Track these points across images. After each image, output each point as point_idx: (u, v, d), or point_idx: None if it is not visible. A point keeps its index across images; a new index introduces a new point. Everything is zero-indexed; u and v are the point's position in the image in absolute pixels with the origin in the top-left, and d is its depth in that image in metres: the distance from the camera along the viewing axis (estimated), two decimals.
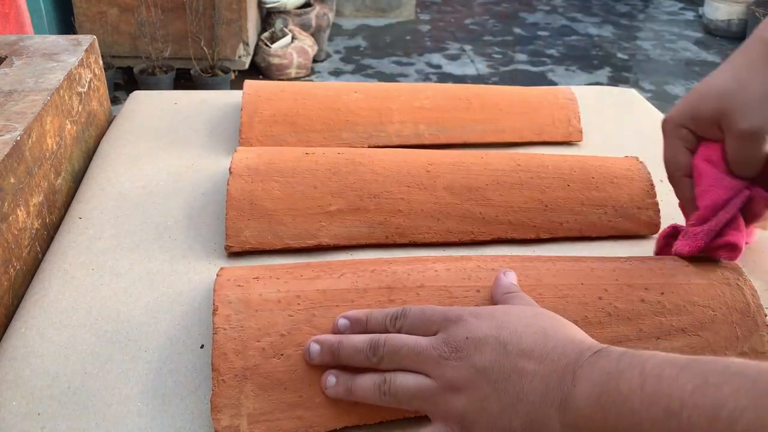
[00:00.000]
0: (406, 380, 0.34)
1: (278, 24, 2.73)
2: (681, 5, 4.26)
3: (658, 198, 0.55)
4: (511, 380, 0.32)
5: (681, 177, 0.46)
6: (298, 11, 2.85)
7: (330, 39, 3.18)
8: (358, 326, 0.37)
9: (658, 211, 0.54)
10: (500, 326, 0.33)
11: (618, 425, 0.28)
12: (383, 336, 0.35)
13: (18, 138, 0.45)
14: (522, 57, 3.27)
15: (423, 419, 0.37)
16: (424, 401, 0.34)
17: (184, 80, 2.53)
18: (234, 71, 2.58)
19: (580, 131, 0.67)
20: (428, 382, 0.33)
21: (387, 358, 0.35)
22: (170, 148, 0.62)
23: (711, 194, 0.43)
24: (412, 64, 3.09)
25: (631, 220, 0.54)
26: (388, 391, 0.34)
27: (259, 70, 2.71)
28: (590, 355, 0.31)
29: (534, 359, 0.32)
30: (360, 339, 0.36)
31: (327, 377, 0.36)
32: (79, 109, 0.59)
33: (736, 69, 0.42)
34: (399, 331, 0.36)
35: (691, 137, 0.45)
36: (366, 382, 0.35)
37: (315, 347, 0.36)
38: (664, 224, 0.55)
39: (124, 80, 2.53)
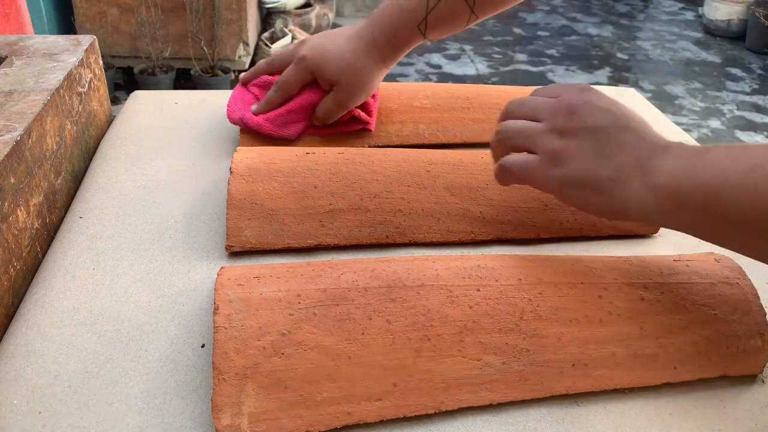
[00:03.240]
0: (517, 122, 0.42)
1: (278, 24, 2.73)
2: (681, 5, 4.26)
3: None
4: (610, 143, 0.38)
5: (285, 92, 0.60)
6: (298, 11, 2.85)
7: None
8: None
9: None
10: (618, 105, 0.40)
11: (703, 180, 0.33)
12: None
13: (18, 138, 0.45)
14: (522, 57, 3.27)
15: (424, 418, 0.37)
16: (527, 136, 0.41)
17: (184, 80, 2.53)
18: (234, 71, 2.58)
19: None
20: (536, 123, 0.41)
21: (516, 110, 0.44)
22: (170, 148, 0.62)
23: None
24: (412, 64, 3.09)
25: None
26: (500, 130, 0.43)
27: None
28: (678, 143, 0.37)
29: (634, 135, 0.38)
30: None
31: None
32: (79, 109, 0.59)
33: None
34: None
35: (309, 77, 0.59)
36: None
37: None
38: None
39: (124, 80, 2.54)
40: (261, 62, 0.63)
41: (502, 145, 0.43)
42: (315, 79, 0.59)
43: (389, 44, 0.58)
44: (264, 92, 0.61)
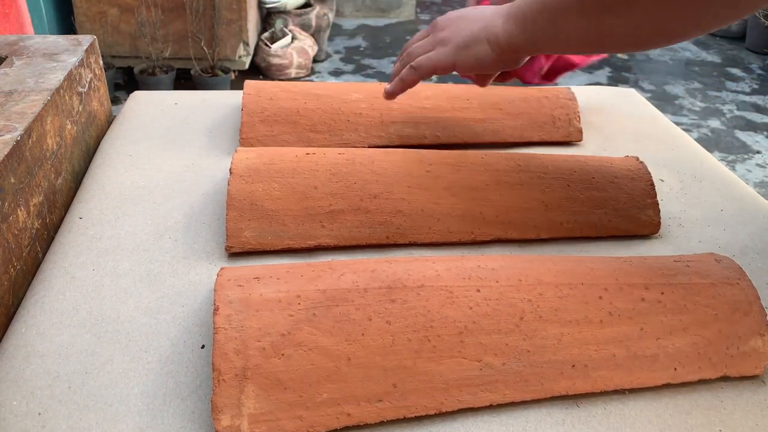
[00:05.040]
0: (416, 48, 0.57)
1: (278, 24, 2.73)
2: None
3: (659, 198, 0.55)
4: (468, 16, 0.54)
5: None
6: (298, 11, 2.85)
7: (330, 39, 3.18)
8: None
9: (658, 211, 0.54)
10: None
11: None
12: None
13: (18, 138, 0.45)
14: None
15: (424, 419, 0.37)
16: (424, 47, 0.55)
17: (184, 80, 2.53)
18: (234, 71, 2.58)
19: (580, 131, 0.67)
20: (427, 38, 0.56)
21: (412, 53, 0.56)
22: (170, 148, 0.62)
23: None
24: None
25: (631, 220, 0.54)
26: (407, 59, 0.56)
27: (259, 70, 2.71)
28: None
29: (482, 9, 0.53)
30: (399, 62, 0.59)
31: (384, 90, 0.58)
32: (80, 109, 0.59)
33: None
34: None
35: None
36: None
37: (386, 87, 0.58)
38: (665, 225, 0.55)
39: (125, 80, 2.53)
40: None
41: (408, 58, 0.57)
42: None
43: None
44: None
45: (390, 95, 0.57)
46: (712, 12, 0.38)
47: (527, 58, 0.53)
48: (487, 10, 0.53)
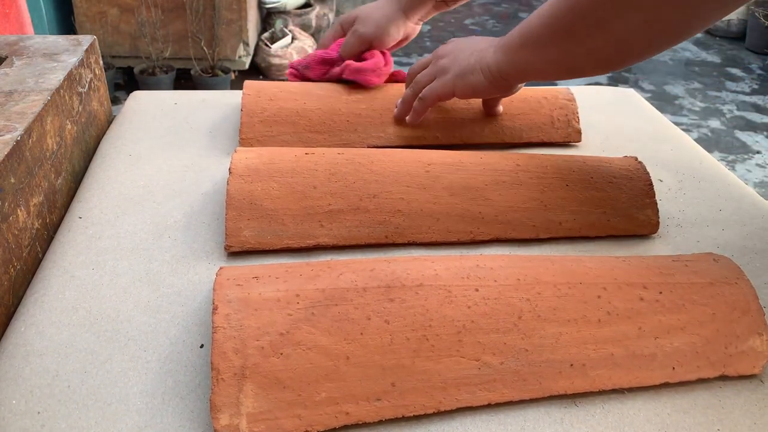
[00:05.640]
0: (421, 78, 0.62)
1: (278, 24, 2.73)
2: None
3: (657, 198, 0.55)
4: (466, 46, 0.59)
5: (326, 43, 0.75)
6: (299, 11, 2.85)
7: None
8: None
9: (657, 211, 0.54)
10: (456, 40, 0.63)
11: (518, 30, 0.53)
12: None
13: (18, 138, 0.45)
14: None
15: (422, 418, 0.37)
16: (427, 76, 0.61)
17: (184, 80, 2.53)
18: (234, 71, 2.58)
19: (579, 131, 0.67)
20: (429, 67, 0.62)
21: (419, 82, 0.62)
22: (170, 148, 0.62)
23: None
24: (412, 64, 3.09)
25: (629, 220, 0.54)
26: (413, 88, 0.62)
27: (259, 70, 2.71)
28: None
29: (473, 40, 0.60)
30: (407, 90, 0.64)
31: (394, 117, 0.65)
32: (80, 109, 0.59)
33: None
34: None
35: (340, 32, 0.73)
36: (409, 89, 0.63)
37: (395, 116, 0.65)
38: (663, 225, 0.55)
39: (125, 80, 2.53)
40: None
41: (416, 87, 0.62)
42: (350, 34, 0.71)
43: None
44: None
45: (406, 124, 0.64)
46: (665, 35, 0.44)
47: (521, 84, 0.59)
48: (482, 42, 0.58)
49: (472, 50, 0.58)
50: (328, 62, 0.70)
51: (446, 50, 0.61)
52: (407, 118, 0.63)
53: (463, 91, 0.58)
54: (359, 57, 0.69)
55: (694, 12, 0.42)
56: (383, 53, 0.70)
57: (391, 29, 0.70)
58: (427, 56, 0.64)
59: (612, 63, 0.48)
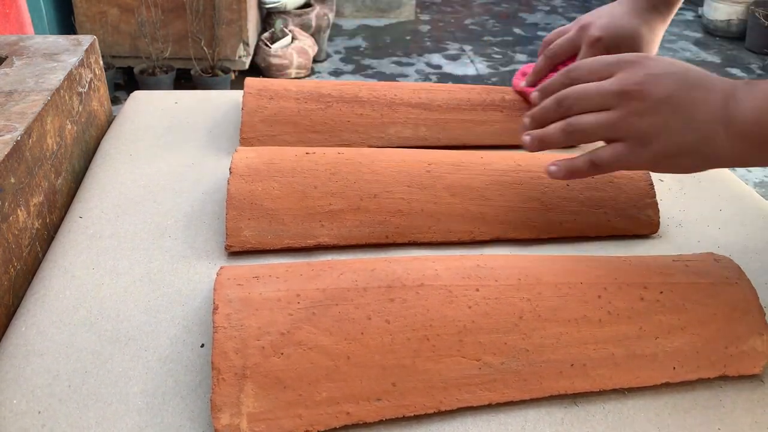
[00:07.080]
0: (589, 117, 0.42)
1: (278, 24, 2.73)
2: (680, 5, 4.26)
3: (658, 198, 0.55)
4: (685, 106, 0.40)
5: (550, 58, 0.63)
6: (298, 11, 2.85)
7: (330, 39, 3.18)
8: (545, 93, 0.46)
9: (658, 210, 0.54)
10: (672, 63, 0.42)
11: None
12: (566, 89, 0.44)
13: (18, 138, 0.45)
14: (522, 57, 3.27)
15: (423, 418, 0.37)
16: (608, 128, 0.42)
17: (184, 80, 2.53)
18: (234, 71, 2.58)
19: None
20: (611, 112, 0.41)
21: (574, 105, 0.43)
22: (170, 148, 0.62)
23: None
24: (411, 64, 3.09)
25: (630, 220, 0.54)
26: (572, 128, 0.43)
27: (259, 70, 2.71)
28: (744, 83, 0.40)
29: (702, 89, 0.40)
30: (548, 100, 0.45)
31: (523, 137, 0.46)
32: (80, 109, 0.59)
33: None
34: (577, 82, 0.44)
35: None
36: (551, 128, 0.44)
37: (525, 138, 0.46)
38: (664, 224, 0.55)
39: (125, 80, 2.54)
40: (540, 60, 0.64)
41: (566, 102, 0.44)
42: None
43: None
44: None
45: (531, 148, 0.47)
46: None
47: None
48: (702, 105, 0.40)
49: (691, 117, 0.40)
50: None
51: (650, 85, 0.41)
52: (525, 139, 0.46)
53: (661, 171, 0.43)
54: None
55: None
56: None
57: (640, 47, 0.61)
58: (586, 67, 0.44)
59: None
